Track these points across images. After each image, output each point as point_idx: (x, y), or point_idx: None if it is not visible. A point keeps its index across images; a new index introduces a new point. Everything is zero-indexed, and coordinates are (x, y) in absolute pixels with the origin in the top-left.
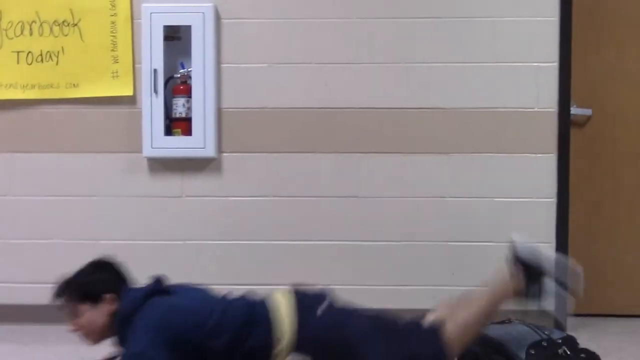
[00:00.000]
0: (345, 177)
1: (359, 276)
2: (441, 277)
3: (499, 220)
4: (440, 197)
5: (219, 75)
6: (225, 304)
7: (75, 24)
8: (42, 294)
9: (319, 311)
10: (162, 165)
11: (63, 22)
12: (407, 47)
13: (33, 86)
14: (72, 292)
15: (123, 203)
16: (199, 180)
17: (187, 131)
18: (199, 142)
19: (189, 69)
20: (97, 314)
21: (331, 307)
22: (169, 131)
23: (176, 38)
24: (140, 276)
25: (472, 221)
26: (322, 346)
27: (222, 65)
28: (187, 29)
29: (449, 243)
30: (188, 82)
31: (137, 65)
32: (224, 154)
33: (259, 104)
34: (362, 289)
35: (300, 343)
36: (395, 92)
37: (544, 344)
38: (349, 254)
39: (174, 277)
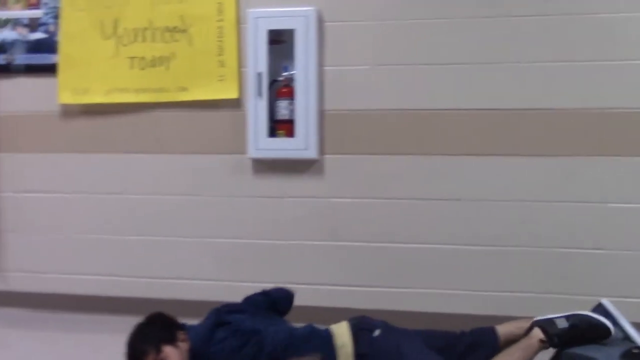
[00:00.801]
0: (448, 180)
1: (459, 281)
2: (544, 285)
3: (608, 226)
4: (547, 201)
5: (321, 78)
6: (291, 328)
7: (185, 30)
8: (152, 287)
9: (375, 333)
10: (265, 166)
11: (174, 28)
12: (514, 46)
13: (145, 90)
14: (151, 344)
15: (229, 203)
16: (301, 182)
17: (291, 133)
18: (301, 144)
19: (293, 72)
20: (180, 352)
21: (387, 330)
22: (272, 133)
23: (280, 42)
24: (243, 275)
25: (579, 227)
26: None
27: (325, 67)
28: (291, 32)
29: (554, 249)
30: (291, 84)
31: (242, 69)
32: (326, 156)
33: (362, 106)
34: (461, 294)
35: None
36: (499, 93)
37: (635, 351)
38: (449, 257)
39: (276, 278)
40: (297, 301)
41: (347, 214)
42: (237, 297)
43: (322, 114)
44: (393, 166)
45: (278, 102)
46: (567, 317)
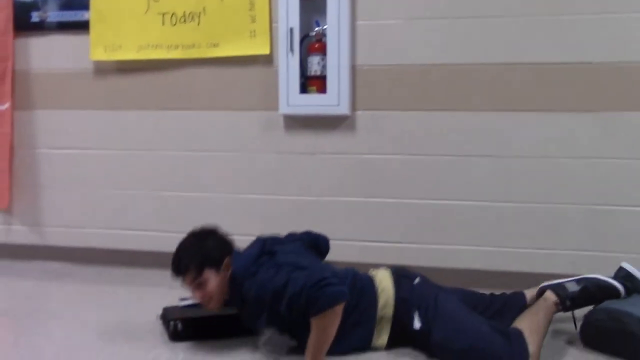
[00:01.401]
0: (482, 136)
1: (496, 238)
2: (583, 242)
3: None
4: (587, 158)
5: (353, 33)
6: (330, 267)
7: None
8: None
9: (415, 281)
10: (297, 123)
11: None
12: None
13: (177, 46)
14: (195, 264)
15: (260, 160)
16: (333, 138)
17: (322, 89)
18: (333, 100)
19: (324, 27)
20: (220, 278)
21: (426, 281)
22: (304, 89)
23: None
24: (275, 230)
25: (621, 184)
26: (416, 306)
27: (357, 22)
28: None
29: (593, 207)
30: (323, 40)
31: (273, 25)
32: (358, 112)
33: (394, 61)
34: (494, 251)
35: (398, 303)
36: (537, 47)
37: None
38: (487, 214)
39: None
40: (329, 257)
41: (379, 170)
42: None
43: (354, 70)
44: (425, 122)
45: (310, 57)
46: (578, 281)
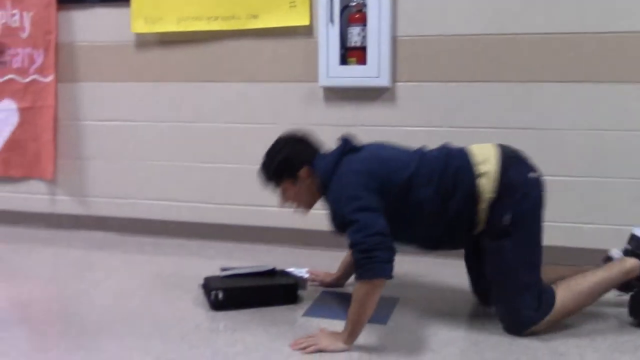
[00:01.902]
0: (524, 108)
1: None
2: (627, 217)
3: None
4: (633, 130)
5: (394, 3)
6: (422, 152)
7: None
8: (231, 214)
9: (530, 174)
10: (337, 95)
11: None
12: None
13: (216, 18)
14: (273, 173)
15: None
16: (373, 110)
17: (362, 60)
18: (373, 71)
19: None
20: (299, 186)
21: (540, 183)
22: (344, 60)
23: None
24: None
25: None
26: (517, 205)
27: None
28: None
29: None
30: (363, 10)
31: None
32: (398, 83)
33: (436, 32)
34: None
35: (502, 187)
36: (580, 17)
37: None
38: None
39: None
40: None
41: (419, 142)
42: (316, 225)
43: (394, 40)
44: (467, 94)
45: (350, 28)
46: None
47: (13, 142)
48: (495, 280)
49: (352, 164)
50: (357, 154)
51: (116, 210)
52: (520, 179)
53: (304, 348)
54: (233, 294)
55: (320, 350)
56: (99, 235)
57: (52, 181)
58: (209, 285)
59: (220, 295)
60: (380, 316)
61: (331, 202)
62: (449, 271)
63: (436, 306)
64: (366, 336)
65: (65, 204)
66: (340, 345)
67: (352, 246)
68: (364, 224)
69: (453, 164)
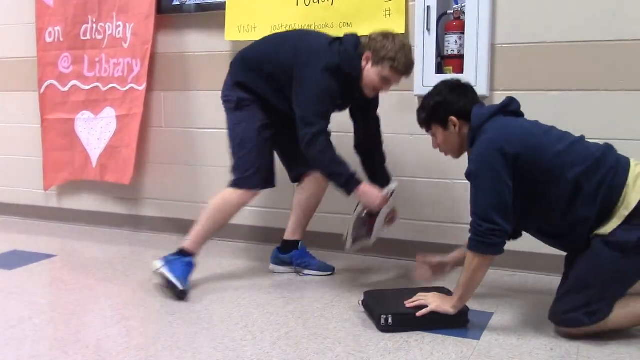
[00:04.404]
0: (630, 118)
1: None
2: None
3: None
4: None
5: (493, 10)
6: (574, 138)
7: None
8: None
9: None
10: None
11: None
12: None
13: (310, 26)
14: (425, 116)
15: (392, 140)
16: None
17: (459, 69)
18: (470, 80)
19: (463, 4)
20: (448, 133)
21: None
22: (440, 69)
23: None
24: (414, 215)
25: None
26: None
27: None
28: None
29: None
30: (461, 17)
31: (409, 3)
32: (496, 92)
33: (536, 39)
34: None
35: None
36: None
37: None
38: None
39: (439, 214)
40: None
41: None
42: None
43: (492, 48)
44: (568, 103)
45: (447, 36)
46: None
47: (111, 148)
48: (582, 276)
49: (493, 133)
50: (507, 118)
51: (194, 214)
52: None
53: (417, 307)
54: (403, 319)
55: (431, 311)
56: (175, 238)
57: (131, 185)
58: (372, 306)
59: (390, 320)
60: (474, 332)
61: (471, 160)
62: (543, 286)
63: (531, 320)
64: (458, 352)
65: (145, 207)
66: (449, 308)
67: (472, 211)
68: (489, 198)
69: (613, 158)
